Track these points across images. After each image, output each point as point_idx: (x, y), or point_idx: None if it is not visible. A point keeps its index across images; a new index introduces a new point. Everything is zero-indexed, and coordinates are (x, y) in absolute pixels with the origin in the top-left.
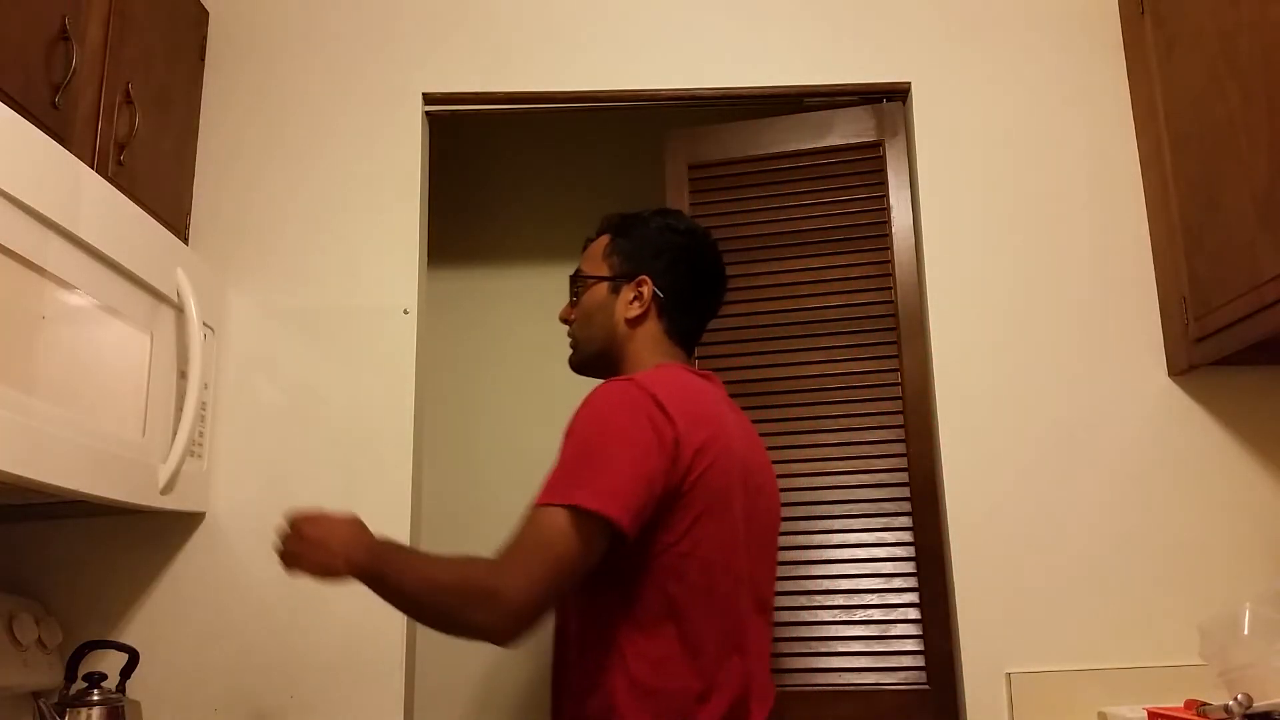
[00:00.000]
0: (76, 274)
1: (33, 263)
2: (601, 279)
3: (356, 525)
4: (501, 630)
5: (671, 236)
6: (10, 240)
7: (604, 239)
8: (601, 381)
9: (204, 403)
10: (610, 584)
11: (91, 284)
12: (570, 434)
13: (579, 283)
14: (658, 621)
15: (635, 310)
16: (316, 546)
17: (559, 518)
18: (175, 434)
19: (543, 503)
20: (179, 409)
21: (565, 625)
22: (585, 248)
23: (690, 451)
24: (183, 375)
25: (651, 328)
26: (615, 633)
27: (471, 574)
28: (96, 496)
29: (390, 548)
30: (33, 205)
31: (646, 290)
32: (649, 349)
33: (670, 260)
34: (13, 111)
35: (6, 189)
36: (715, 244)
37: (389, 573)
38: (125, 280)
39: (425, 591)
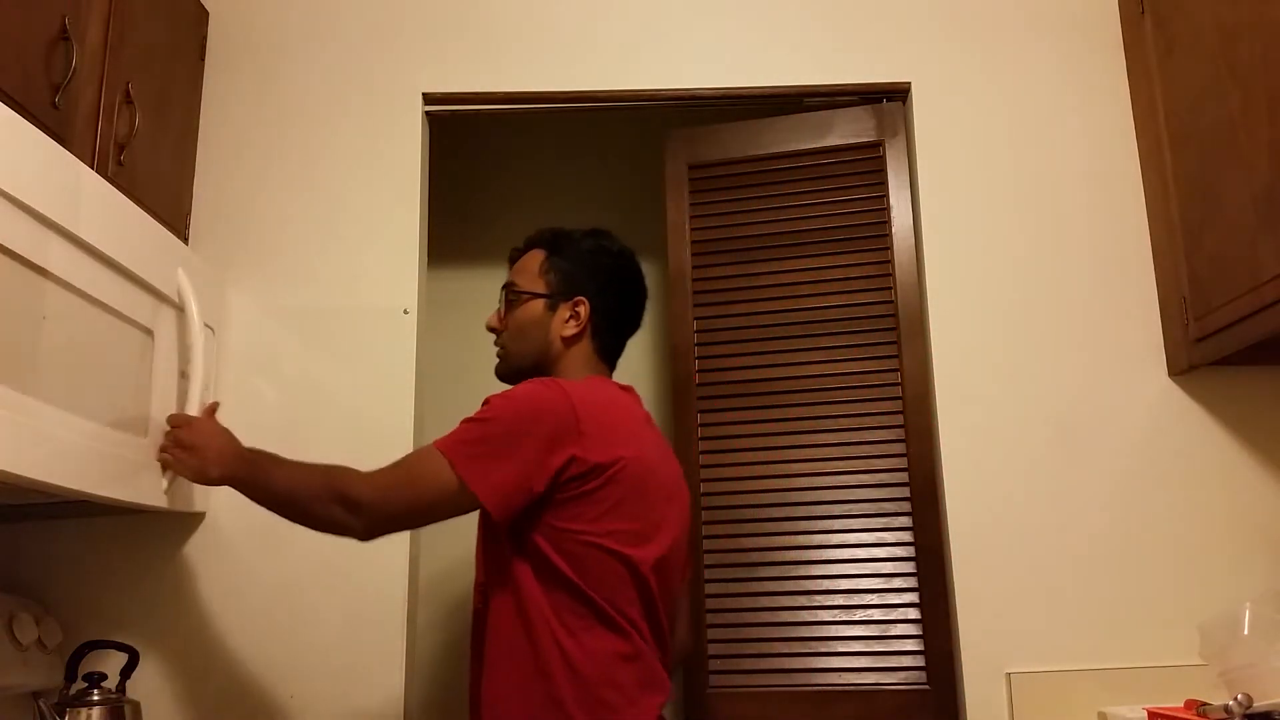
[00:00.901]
0: (77, 274)
1: (33, 263)
2: (537, 295)
3: (229, 435)
4: (358, 532)
5: (606, 259)
6: (10, 240)
7: (538, 254)
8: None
9: (204, 402)
10: (528, 564)
11: (92, 284)
12: (490, 407)
13: (513, 295)
14: (574, 597)
15: (571, 329)
16: (192, 452)
17: (443, 472)
18: None
19: (440, 449)
20: (181, 409)
21: (484, 608)
22: (513, 260)
23: (598, 458)
24: (184, 375)
25: (584, 347)
26: (543, 608)
27: (339, 480)
28: (100, 497)
29: (263, 455)
30: (33, 205)
31: (583, 311)
32: (578, 366)
33: (604, 282)
34: (12, 111)
35: (6, 189)
36: (639, 265)
37: (261, 476)
38: (126, 280)
39: (294, 489)
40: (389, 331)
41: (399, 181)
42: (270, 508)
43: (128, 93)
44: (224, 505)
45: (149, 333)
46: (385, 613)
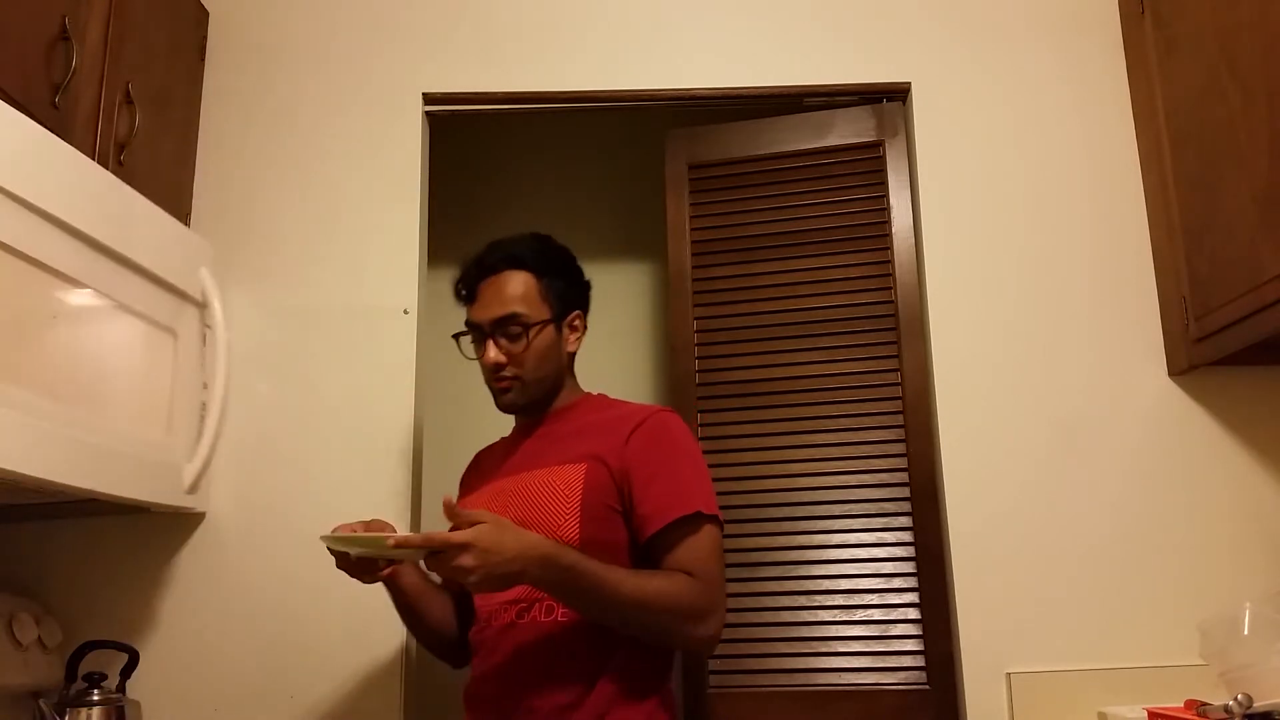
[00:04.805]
0: (89, 273)
1: (42, 262)
2: (548, 322)
3: (513, 529)
4: (712, 641)
5: (576, 264)
6: (12, 238)
7: (526, 277)
8: (654, 407)
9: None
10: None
11: (106, 282)
12: (674, 454)
13: (525, 326)
14: None
15: (574, 345)
16: (489, 554)
17: (717, 530)
18: (201, 433)
19: (704, 511)
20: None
21: (524, 620)
22: (475, 286)
23: None
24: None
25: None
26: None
27: (687, 593)
28: (115, 496)
29: (571, 558)
30: (38, 203)
31: (581, 324)
32: (572, 375)
33: (585, 289)
34: (15, 110)
35: (7, 186)
36: None
37: (588, 582)
38: (144, 279)
39: (643, 605)
40: (389, 331)
41: (399, 181)
42: (592, 615)
43: (128, 92)
44: (224, 505)
45: (171, 332)
46: (385, 613)
